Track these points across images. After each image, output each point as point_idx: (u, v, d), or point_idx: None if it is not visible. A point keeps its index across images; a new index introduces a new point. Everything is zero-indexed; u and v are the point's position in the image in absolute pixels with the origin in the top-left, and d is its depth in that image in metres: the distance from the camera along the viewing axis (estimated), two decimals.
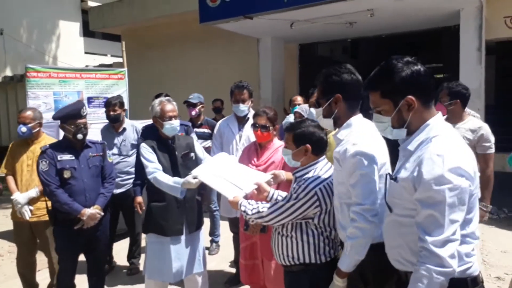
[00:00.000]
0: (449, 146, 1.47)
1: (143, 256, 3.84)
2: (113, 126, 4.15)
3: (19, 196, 3.41)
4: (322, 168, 2.16)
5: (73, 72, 5.98)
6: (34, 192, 3.43)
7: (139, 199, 3.71)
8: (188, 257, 2.93)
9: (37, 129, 3.53)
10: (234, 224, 3.66)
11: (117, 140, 4.11)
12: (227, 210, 3.56)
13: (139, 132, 4.19)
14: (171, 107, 2.95)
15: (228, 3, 5.93)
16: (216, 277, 3.88)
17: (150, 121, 5.08)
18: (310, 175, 2.11)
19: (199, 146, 3.19)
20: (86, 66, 12.44)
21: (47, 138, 3.63)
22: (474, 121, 3.38)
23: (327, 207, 2.05)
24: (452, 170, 1.42)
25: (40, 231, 3.50)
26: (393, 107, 1.58)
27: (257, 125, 2.92)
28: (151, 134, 3.73)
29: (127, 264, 4.28)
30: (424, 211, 1.45)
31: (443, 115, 2.24)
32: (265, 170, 2.79)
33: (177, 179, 2.77)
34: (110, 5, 10.51)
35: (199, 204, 3.08)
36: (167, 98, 3.03)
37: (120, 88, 6.27)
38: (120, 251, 4.53)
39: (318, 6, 5.42)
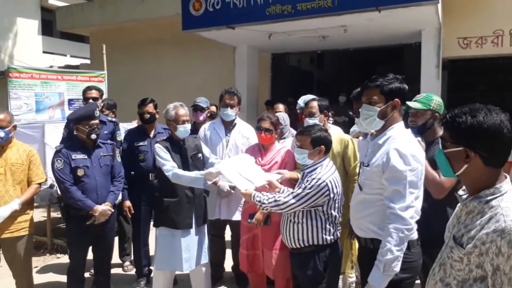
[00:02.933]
0: (408, 142, 2.06)
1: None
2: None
3: (3, 209, 3.02)
4: (328, 165, 2.58)
5: (54, 73, 6.00)
6: (16, 204, 3.08)
7: (128, 203, 3.86)
8: (197, 249, 3.20)
9: (13, 133, 3.19)
10: (214, 226, 3.78)
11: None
12: (209, 212, 3.56)
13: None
14: (184, 112, 3.21)
15: (211, 12, 6.22)
16: None
17: (127, 124, 5.33)
18: (319, 170, 2.51)
19: (206, 147, 3.47)
20: (51, 66, 12.10)
21: (18, 144, 3.28)
22: None
23: (334, 196, 2.47)
24: (412, 157, 1.99)
25: (9, 248, 3.16)
26: (384, 102, 2.11)
27: (261, 128, 3.25)
28: (136, 137, 3.95)
29: (118, 261, 4.41)
30: (391, 187, 2.01)
31: None
32: (269, 170, 3.13)
33: (198, 172, 3.07)
34: (80, 6, 10.42)
35: (205, 201, 3.35)
36: (180, 103, 3.27)
37: None
38: None
39: (296, 20, 5.86)
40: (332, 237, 2.54)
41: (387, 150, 2.04)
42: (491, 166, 1.38)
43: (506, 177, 1.41)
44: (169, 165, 3.08)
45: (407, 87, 2.15)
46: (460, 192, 1.54)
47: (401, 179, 1.97)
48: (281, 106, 5.33)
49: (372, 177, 2.10)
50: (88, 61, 11.79)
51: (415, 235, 2.07)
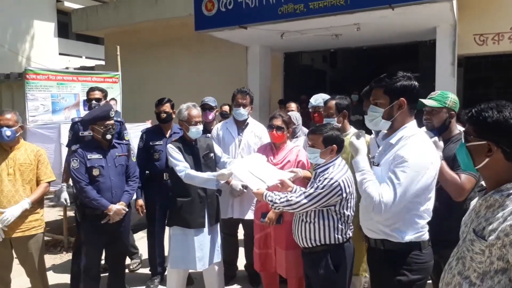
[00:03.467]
0: (422, 142, 2.01)
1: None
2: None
3: (8, 212, 3.02)
4: (340, 164, 2.56)
5: (70, 75, 6.12)
6: (26, 203, 3.12)
7: (141, 202, 3.93)
8: (210, 248, 3.22)
9: (20, 132, 3.21)
10: (227, 225, 3.83)
11: None
12: (221, 211, 3.61)
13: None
14: (196, 112, 3.23)
15: (224, 12, 6.24)
16: None
17: (141, 124, 5.38)
18: (331, 170, 2.50)
19: (217, 147, 3.49)
20: (67, 68, 12.31)
21: (26, 144, 3.33)
22: None
23: (346, 195, 2.45)
24: (424, 157, 1.95)
25: (21, 247, 3.20)
26: (389, 102, 2.06)
27: (273, 126, 3.25)
28: (152, 137, 3.99)
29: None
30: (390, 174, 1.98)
31: None
32: (281, 168, 3.13)
33: (210, 172, 3.08)
34: (95, 8, 10.56)
35: (217, 200, 3.37)
36: (193, 104, 3.30)
37: (114, 91, 6.42)
38: None
39: (309, 19, 5.84)
40: (344, 236, 2.53)
41: (400, 148, 2.00)
42: (511, 161, 1.40)
43: None
44: (182, 166, 3.10)
45: (415, 84, 2.08)
46: (477, 188, 1.54)
47: (403, 173, 1.92)
48: (293, 105, 5.31)
49: (382, 176, 2.07)
50: (103, 62, 11.95)
51: (426, 236, 2.05)
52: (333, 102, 3.24)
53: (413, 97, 2.09)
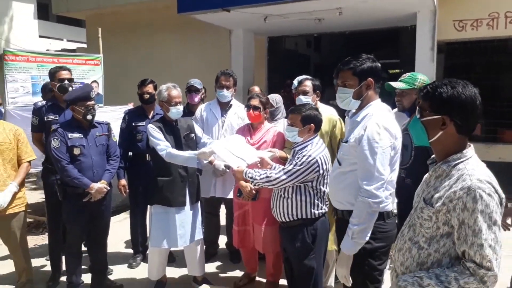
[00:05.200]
0: (385, 117, 2.12)
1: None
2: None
3: (1, 199, 3.11)
4: (318, 143, 2.66)
5: (50, 56, 6.02)
6: (14, 187, 3.21)
7: (123, 182, 3.96)
8: (191, 226, 3.29)
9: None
10: (209, 204, 3.92)
11: None
12: (204, 190, 3.73)
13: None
14: (176, 93, 3.25)
15: None
16: None
17: (123, 106, 5.35)
18: (309, 148, 2.59)
19: (198, 127, 3.53)
20: (47, 50, 12.06)
21: (4, 123, 3.33)
22: None
23: (323, 172, 2.56)
24: (387, 131, 2.05)
25: (4, 226, 3.26)
26: (358, 83, 2.16)
27: (250, 106, 3.31)
28: (135, 117, 4.00)
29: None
30: (363, 163, 2.07)
31: None
32: (258, 148, 3.22)
33: (191, 151, 3.14)
34: None
35: (198, 179, 3.44)
36: (173, 84, 3.31)
37: (96, 73, 6.37)
38: None
39: (292, 3, 5.85)
40: (320, 211, 2.65)
41: (365, 125, 2.11)
42: (461, 134, 1.51)
43: (470, 146, 1.54)
44: (163, 145, 3.14)
45: (379, 65, 2.20)
46: (428, 161, 1.65)
47: (374, 154, 2.03)
48: (256, 88, 5.09)
49: (349, 152, 2.17)
50: (85, 45, 11.76)
51: (389, 207, 2.16)
52: (309, 81, 3.37)
53: (378, 77, 2.22)
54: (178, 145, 3.25)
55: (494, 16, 6.60)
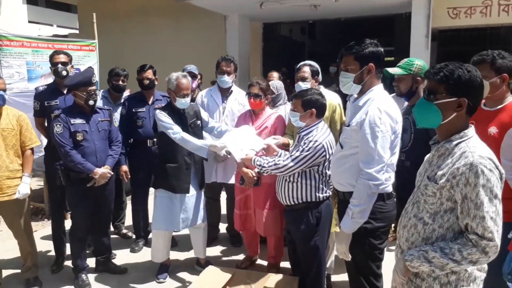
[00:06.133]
0: (386, 102, 2.17)
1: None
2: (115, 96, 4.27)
3: (22, 191, 3.18)
4: (323, 128, 2.71)
5: (45, 42, 5.95)
6: (28, 179, 3.25)
7: (125, 168, 3.97)
8: (193, 211, 3.35)
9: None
10: (210, 189, 3.96)
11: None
12: (205, 176, 3.70)
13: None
14: (186, 84, 3.22)
15: None
16: None
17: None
18: (315, 133, 2.64)
19: (204, 112, 3.56)
20: (39, 35, 11.88)
21: (8, 109, 3.30)
22: None
23: (329, 156, 2.62)
24: (389, 116, 2.10)
25: (7, 211, 3.27)
26: (359, 68, 2.20)
27: (250, 93, 3.35)
28: (135, 103, 4.00)
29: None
30: (364, 147, 2.11)
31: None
32: (259, 135, 3.27)
33: (203, 141, 3.17)
34: None
35: (202, 167, 3.48)
36: (184, 74, 3.30)
37: (91, 59, 6.34)
38: None
39: None
40: (324, 194, 2.72)
41: (366, 110, 2.15)
42: (468, 114, 1.59)
43: (471, 126, 1.62)
44: (176, 128, 3.15)
45: (381, 50, 2.23)
46: (431, 142, 1.72)
47: (375, 137, 2.08)
48: (275, 74, 5.32)
49: (351, 136, 2.22)
50: (75, 31, 11.60)
51: (390, 188, 2.23)
52: (307, 67, 3.38)
53: (380, 62, 2.24)
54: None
55: (487, 3, 6.66)
